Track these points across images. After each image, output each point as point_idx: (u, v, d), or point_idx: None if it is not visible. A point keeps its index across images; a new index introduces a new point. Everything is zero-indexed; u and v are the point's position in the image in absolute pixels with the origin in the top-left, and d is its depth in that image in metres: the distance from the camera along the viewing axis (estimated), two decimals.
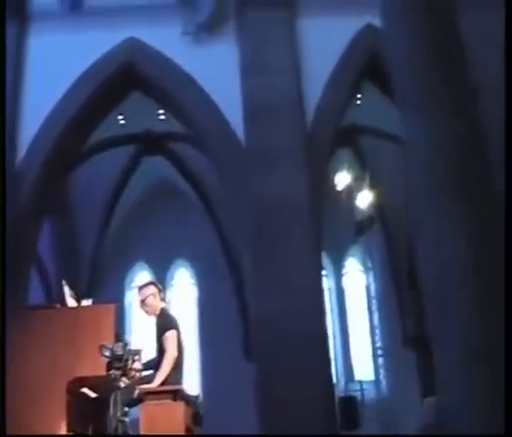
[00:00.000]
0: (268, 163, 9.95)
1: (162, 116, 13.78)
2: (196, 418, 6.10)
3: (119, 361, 4.50)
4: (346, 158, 14.47)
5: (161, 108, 13.05)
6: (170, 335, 6.06)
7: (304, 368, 8.97)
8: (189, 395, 5.99)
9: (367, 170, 15.23)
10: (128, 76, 11.07)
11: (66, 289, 5.58)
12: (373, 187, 14.81)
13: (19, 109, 10.60)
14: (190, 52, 10.79)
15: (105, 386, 5.28)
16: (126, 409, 4.93)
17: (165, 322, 6.22)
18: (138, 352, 5.27)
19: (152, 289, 6.55)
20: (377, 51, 10.72)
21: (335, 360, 17.40)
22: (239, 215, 10.52)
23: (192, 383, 17.14)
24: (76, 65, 10.74)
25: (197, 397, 6.27)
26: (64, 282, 5.59)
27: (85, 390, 4.62)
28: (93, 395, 5.33)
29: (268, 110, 10.22)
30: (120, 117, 13.48)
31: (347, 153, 14.60)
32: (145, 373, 6.10)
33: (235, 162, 10.37)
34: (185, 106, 10.95)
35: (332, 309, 18.01)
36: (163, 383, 5.71)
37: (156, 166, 16.17)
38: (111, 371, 4.51)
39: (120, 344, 4.56)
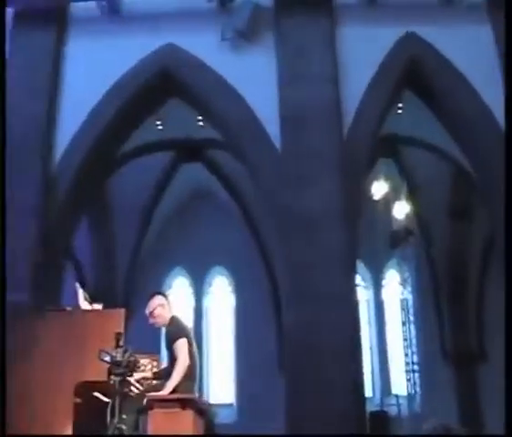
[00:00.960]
0: (304, 172, 9.86)
1: (201, 123, 13.74)
2: (209, 427, 6.00)
3: (118, 367, 4.42)
4: (384, 168, 14.24)
5: (200, 115, 13.02)
6: (181, 343, 5.95)
7: (335, 380, 8.85)
8: (200, 404, 5.88)
9: (405, 181, 15.02)
10: (165, 81, 11.07)
11: (80, 292, 5.54)
12: (410, 197, 14.58)
13: (57, 113, 10.71)
14: (228, 58, 10.77)
15: (120, 392, 5.23)
16: (124, 416, 4.83)
17: (175, 331, 6.11)
18: (137, 359, 5.18)
19: (160, 299, 6.45)
20: (417, 60, 10.57)
21: (372, 373, 17.15)
22: (275, 224, 10.41)
23: (227, 392, 17.12)
24: (115, 70, 10.82)
25: (209, 406, 6.16)
26: (78, 285, 5.54)
27: (97, 394, 4.53)
28: (106, 400, 5.27)
29: (305, 119, 10.14)
30: (158, 123, 13.49)
31: (385, 162, 14.36)
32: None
33: (271, 171, 10.26)
34: (222, 112, 10.89)
35: (370, 322, 17.76)
36: (174, 392, 5.60)
37: (195, 173, 16.17)
38: (111, 377, 4.43)
39: (120, 350, 4.46)
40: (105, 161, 11.56)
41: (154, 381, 6.04)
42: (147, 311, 6.40)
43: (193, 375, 6.01)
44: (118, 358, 4.43)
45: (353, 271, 9.96)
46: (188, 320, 17.62)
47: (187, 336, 6.08)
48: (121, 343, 4.47)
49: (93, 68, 10.82)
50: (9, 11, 10.81)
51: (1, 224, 7.24)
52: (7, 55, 10.66)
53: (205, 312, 18.13)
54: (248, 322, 16.81)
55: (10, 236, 9.63)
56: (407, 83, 10.81)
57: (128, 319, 13.89)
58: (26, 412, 5.10)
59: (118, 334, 4.46)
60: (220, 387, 17.38)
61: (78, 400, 5.01)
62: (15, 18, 11.04)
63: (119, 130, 11.31)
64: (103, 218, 16.07)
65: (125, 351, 4.47)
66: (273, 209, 10.24)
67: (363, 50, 10.48)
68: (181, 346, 5.91)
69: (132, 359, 4.50)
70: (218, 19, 10.76)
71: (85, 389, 4.86)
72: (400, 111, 12.07)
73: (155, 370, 6.47)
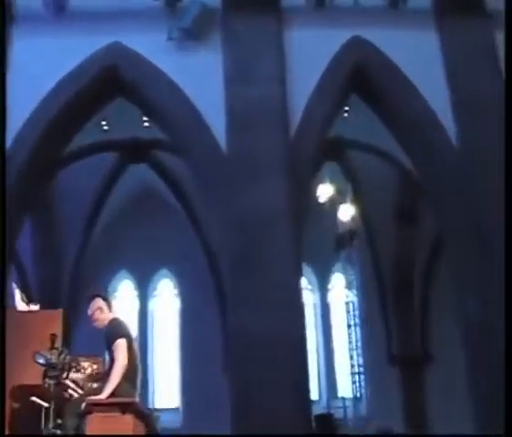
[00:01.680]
0: (250, 173, 9.85)
1: (147, 124, 13.59)
2: (151, 432, 5.88)
3: (53, 370, 4.28)
4: (329, 171, 14.32)
5: (145, 115, 12.88)
6: (119, 344, 5.80)
7: (280, 383, 8.84)
8: (142, 409, 5.74)
9: (351, 183, 15.16)
10: (110, 80, 10.90)
11: (17, 293, 5.38)
12: (356, 200, 14.71)
13: (1, 110, 10.43)
14: (175, 58, 10.65)
15: (56, 395, 5.10)
16: (60, 420, 4.70)
17: (115, 331, 5.95)
18: (74, 361, 5.05)
19: (98, 301, 6.32)
20: (363, 63, 10.66)
21: (318, 376, 17.22)
22: (219, 225, 10.36)
23: (173, 396, 16.98)
24: (60, 68, 10.59)
25: (151, 411, 6.04)
26: (14, 286, 5.38)
27: (34, 398, 4.38)
28: (44, 404, 5.12)
29: (251, 120, 10.11)
30: (104, 123, 13.30)
31: (330, 165, 14.45)
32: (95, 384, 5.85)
33: (217, 171, 10.22)
34: (167, 113, 10.80)
35: (316, 325, 17.83)
36: (113, 395, 5.45)
37: (140, 173, 16.00)
38: (45, 380, 4.28)
39: (55, 352, 4.32)
40: (49, 161, 11.31)
41: (95, 384, 5.87)
42: (88, 314, 6.27)
43: (133, 378, 5.86)
44: (53, 360, 4.29)
45: (299, 273, 9.97)
46: (133, 324, 17.49)
47: (126, 337, 5.93)
48: (56, 345, 4.31)
49: (37, 66, 10.54)
50: None
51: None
52: None
53: (150, 315, 17.95)
54: (193, 325, 16.73)
55: None
56: (353, 86, 10.88)
57: (73, 320, 13.85)
58: None
59: (53, 336, 4.32)
60: (166, 391, 17.20)
61: (15, 403, 4.86)
62: None
63: (64, 129, 11.09)
64: (47, 219, 15.79)
65: (60, 353, 4.33)
66: (217, 210, 10.19)
67: (311, 52, 10.50)
68: (120, 347, 5.76)
69: (67, 361, 4.35)
70: (165, 18, 10.64)
71: (22, 392, 4.70)
72: (346, 114, 12.16)
73: (95, 372, 6.31)
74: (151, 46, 10.63)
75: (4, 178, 8.79)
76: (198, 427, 15.08)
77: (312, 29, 10.60)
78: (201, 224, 16.13)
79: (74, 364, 4.83)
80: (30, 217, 14.57)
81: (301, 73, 10.47)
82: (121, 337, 5.80)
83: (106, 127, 13.68)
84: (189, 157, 10.84)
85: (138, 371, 5.97)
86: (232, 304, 9.62)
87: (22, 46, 10.77)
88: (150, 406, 16.78)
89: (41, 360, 4.33)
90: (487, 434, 6.15)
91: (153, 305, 18.10)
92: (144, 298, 17.96)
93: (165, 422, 16.14)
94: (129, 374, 5.71)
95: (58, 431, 4.34)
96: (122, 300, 18.00)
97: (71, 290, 15.88)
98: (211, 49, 10.67)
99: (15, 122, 10.29)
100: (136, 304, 17.99)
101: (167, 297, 18.13)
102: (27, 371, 4.36)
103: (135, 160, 15.68)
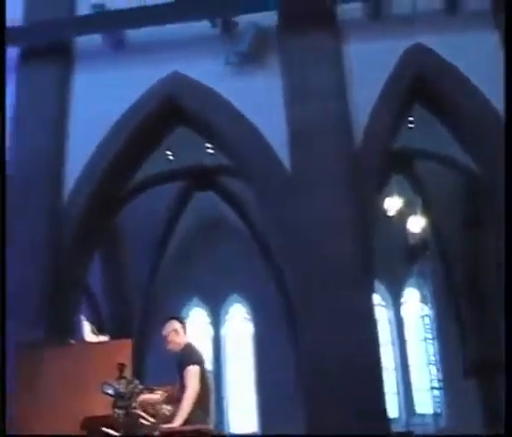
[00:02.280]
0: (314, 190, 9.71)
1: (211, 150, 13.65)
2: None
3: (122, 400, 4.24)
4: (397, 183, 14.05)
5: (208, 142, 12.94)
6: (192, 370, 5.74)
7: (356, 402, 8.63)
8: (213, 435, 5.66)
9: (419, 194, 14.84)
10: (171, 110, 11.01)
11: (86, 325, 5.40)
12: (425, 211, 14.38)
13: (64, 147, 10.70)
14: (233, 83, 10.67)
15: (126, 425, 5.08)
16: None
17: (187, 357, 5.90)
18: (145, 390, 5.00)
19: (173, 324, 6.27)
20: (424, 71, 10.43)
21: (397, 393, 16.85)
22: (286, 246, 10.25)
23: (249, 421, 16.89)
24: (121, 101, 10.77)
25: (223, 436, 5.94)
26: (82, 318, 5.41)
27: (105, 429, 4.36)
28: (116, 434, 5.11)
29: (313, 137, 10.02)
30: (169, 153, 13.43)
31: (397, 177, 14.16)
32: (167, 410, 5.79)
33: (281, 192, 10.12)
34: (230, 138, 10.80)
35: (392, 341, 17.48)
36: (186, 422, 5.39)
37: (207, 200, 16.12)
38: (114, 410, 4.24)
39: (123, 381, 4.28)
40: (115, 193, 11.49)
41: (168, 407, 5.80)
42: (163, 335, 6.28)
43: (206, 404, 5.80)
44: (122, 389, 4.25)
45: (370, 289, 9.77)
46: (206, 350, 17.54)
47: (199, 364, 5.88)
48: (125, 375, 4.28)
49: (100, 101, 10.77)
50: (14, 50, 10.85)
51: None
52: (15, 93, 10.80)
53: (223, 341, 17.93)
54: (266, 348, 16.62)
55: (21, 270, 9.71)
56: (416, 94, 10.65)
57: (145, 350, 13.92)
58: None
59: (121, 365, 4.29)
60: (242, 416, 17.11)
61: (86, 435, 4.87)
62: (21, 56, 11.11)
63: (128, 161, 11.25)
64: (115, 250, 16.02)
65: (129, 383, 4.29)
66: (283, 231, 10.10)
67: (370, 64, 10.33)
68: (192, 373, 5.71)
69: (136, 390, 4.31)
70: (221, 44, 10.68)
71: (93, 423, 4.71)
72: (411, 125, 11.90)
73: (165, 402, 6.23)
74: (210, 73, 10.69)
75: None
76: None
77: (370, 40, 10.44)
78: (269, 247, 16.01)
79: (144, 393, 4.77)
80: (99, 250, 14.84)
81: (362, 86, 10.32)
82: (194, 363, 5.75)
83: (171, 157, 13.82)
84: (254, 179, 10.77)
85: (210, 398, 5.91)
86: (303, 326, 9.48)
87: (83, 83, 11.08)
88: (227, 432, 16.77)
89: (109, 391, 4.30)
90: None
91: (225, 331, 18.07)
92: (216, 324, 18.00)
93: None
94: (202, 401, 5.65)
95: None
96: (194, 327, 18.04)
97: (142, 321, 16.01)
98: (269, 70, 10.64)
99: (79, 158, 10.55)
100: (208, 330, 18.00)
101: (239, 322, 18.06)
102: (98, 402, 4.32)
103: (201, 188, 15.79)
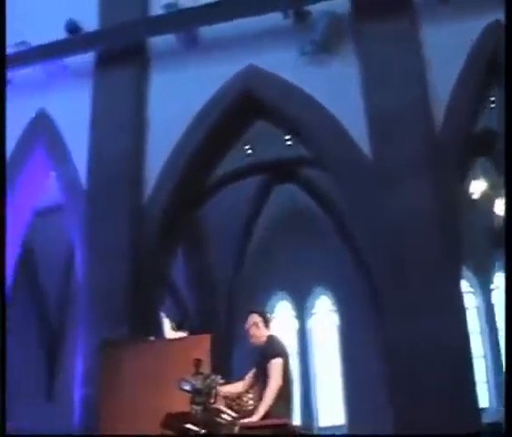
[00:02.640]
0: (397, 177, 9.49)
1: (290, 142, 13.61)
2: None
3: (199, 396, 4.23)
4: (481, 165, 13.60)
5: (287, 134, 12.89)
6: (276, 363, 5.70)
7: (445, 393, 8.39)
8: (296, 429, 5.59)
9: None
10: (248, 104, 10.98)
11: (166, 321, 5.44)
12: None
13: (144, 147, 10.88)
14: (309, 73, 10.54)
15: (205, 421, 5.09)
16: None
17: (271, 350, 5.86)
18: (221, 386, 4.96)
19: (255, 317, 6.24)
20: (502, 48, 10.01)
21: (487, 382, 16.37)
22: (369, 236, 10.09)
23: (337, 413, 16.77)
24: (198, 98, 10.85)
25: (308, 429, 5.83)
26: (162, 315, 5.44)
27: (189, 426, 4.37)
28: (196, 430, 5.13)
29: (393, 124, 9.77)
30: (247, 147, 13.47)
31: (481, 159, 13.70)
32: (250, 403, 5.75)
33: (363, 182, 9.96)
34: (308, 128, 10.68)
35: (481, 329, 16.97)
36: (267, 415, 5.33)
37: (288, 193, 16.07)
38: (192, 406, 4.23)
39: (200, 377, 4.27)
40: (195, 190, 11.60)
41: (249, 401, 5.77)
42: (245, 328, 6.27)
43: (289, 398, 5.74)
44: (199, 385, 4.23)
45: (458, 276, 9.49)
46: (292, 343, 17.52)
47: (282, 356, 5.82)
48: (201, 370, 4.27)
49: (176, 100, 10.91)
50: (90, 55, 11.17)
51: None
52: (92, 98, 11.11)
53: (309, 334, 17.84)
54: (352, 340, 16.43)
55: (106, 271, 9.95)
56: (495, 73, 10.23)
57: (231, 345, 14.00)
58: None
59: (198, 361, 4.27)
60: (330, 408, 16.99)
61: (168, 432, 4.90)
62: (97, 60, 11.34)
63: (208, 158, 11.32)
64: (199, 246, 16.19)
65: (206, 378, 4.27)
66: (366, 220, 9.94)
67: (447, 46, 9.99)
68: (276, 366, 5.67)
69: (214, 385, 4.29)
70: (294, 35, 10.59)
71: (174, 421, 4.73)
72: (493, 105, 11.48)
73: (250, 396, 6.20)
74: (285, 64, 10.60)
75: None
76: None
77: (447, 21, 10.10)
78: (353, 236, 15.80)
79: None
80: (182, 246, 15.06)
81: (439, 69, 10.00)
82: (277, 356, 5.71)
83: (249, 151, 13.86)
84: (334, 169, 10.64)
85: (292, 391, 5.84)
86: (391, 315, 9.30)
87: (160, 82, 11.24)
88: (315, 424, 16.71)
89: (187, 387, 4.29)
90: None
91: (311, 323, 17.97)
92: (302, 317, 17.91)
93: None
94: (285, 394, 5.60)
95: None
96: (280, 321, 18.05)
97: (228, 316, 16.13)
98: (345, 58, 10.45)
99: (158, 157, 10.73)
100: (294, 324, 17.95)
101: (324, 314, 17.92)
102: (178, 399, 4.34)
103: (281, 180, 15.75)
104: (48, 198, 12.77)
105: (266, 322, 6.20)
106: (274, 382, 5.57)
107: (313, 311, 18.09)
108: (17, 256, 12.17)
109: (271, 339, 6.09)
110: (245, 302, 16.12)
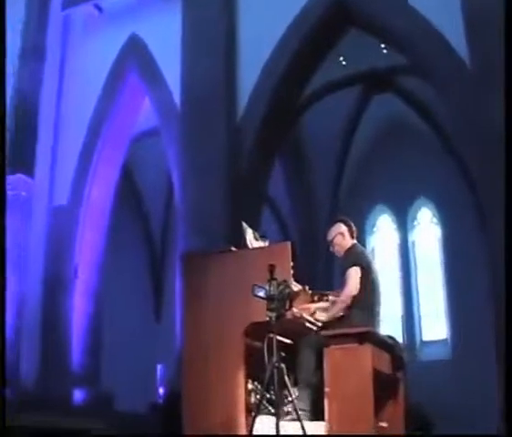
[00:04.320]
0: (497, 84, 8.93)
1: (385, 50, 13.16)
2: (396, 362, 5.62)
3: (272, 302, 4.19)
4: None
5: (382, 42, 12.46)
6: (352, 272, 5.54)
7: None
8: (382, 338, 5.47)
9: None
10: (341, 12, 10.67)
11: (249, 231, 5.40)
12: None
13: (235, 64, 10.88)
14: None
15: (294, 331, 5.11)
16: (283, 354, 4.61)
17: (350, 259, 5.68)
18: (296, 292, 4.90)
19: (340, 227, 6.04)
20: None
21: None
22: (471, 143, 9.70)
23: (440, 328, 16.56)
24: (287, 12, 10.65)
25: (393, 339, 5.71)
26: (245, 225, 5.40)
27: (272, 335, 4.36)
28: (286, 341, 5.15)
29: (494, 27, 9.19)
30: (341, 59, 13.15)
31: None
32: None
33: (461, 86, 9.52)
34: (404, 35, 10.27)
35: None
36: (350, 326, 5.20)
37: (385, 104, 15.57)
38: (266, 313, 4.20)
39: (274, 283, 4.21)
40: (289, 105, 11.45)
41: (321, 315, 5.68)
42: (327, 239, 6.13)
43: (370, 307, 5.61)
44: (272, 291, 4.19)
45: None
46: (394, 257, 17.35)
47: (361, 265, 5.67)
48: (275, 276, 4.22)
49: (265, 16, 10.77)
50: None
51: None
52: (181, 22, 11.17)
53: (411, 246, 17.55)
54: (456, 253, 15.99)
55: (201, 188, 10.09)
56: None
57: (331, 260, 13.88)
58: (200, 353, 5.15)
59: (272, 266, 4.20)
60: (433, 323, 16.78)
61: (251, 342, 4.96)
62: None
63: (300, 71, 11.14)
64: (297, 164, 16.13)
65: (279, 284, 4.22)
66: (466, 128, 9.53)
67: None
68: (352, 274, 5.54)
69: (287, 291, 4.24)
70: None
71: (256, 329, 4.77)
72: None
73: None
74: None
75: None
76: (466, 360, 14.65)
77: None
78: (454, 146, 15.22)
79: (294, 295, 4.68)
80: (283, 165, 15.07)
81: None
82: (354, 265, 5.59)
83: (344, 63, 13.52)
84: (433, 77, 10.23)
85: (377, 301, 5.70)
86: (493, 223, 8.94)
87: (244, 5, 11.11)
88: (417, 339, 16.58)
89: (260, 293, 4.25)
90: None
91: (413, 236, 17.64)
92: (403, 229, 17.56)
93: (433, 355, 16.00)
94: (364, 303, 5.49)
95: (283, 365, 4.23)
96: (382, 235, 17.86)
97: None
98: None
99: (250, 74, 10.67)
100: (396, 237, 17.69)
101: (427, 226, 17.53)
102: (260, 308, 4.34)
103: (378, 91, 15.31)
104: (145, 123, 13.01)
105: (351, 232, 6.04)
106: (348, 289, 5.46)
107: (415, 223, 17.70)
108: (117, 181, 12.54)
109: (352, 248, 5.91)
110: (346, 216, 15.99)
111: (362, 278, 5.54)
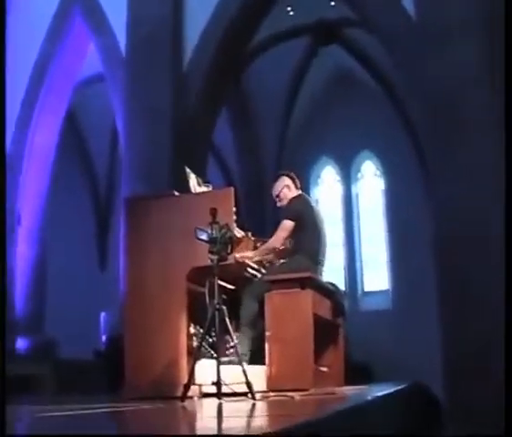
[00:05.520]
0: (442, 39, 9.03)
1: (332, 3, 13.16)
2: (337, 309, 5.77)
3: (215, 245, 4.24)
4: None
5: None
6: (284, 224, 5.59)
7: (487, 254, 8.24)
8: (324, 284, 5.60)
9: None
10: None
11: (192, 177, 5.41)
12: None
13: (183, 9, 10.75)
14: None
15: (236, 276, 5.18)
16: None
17: (289, 210, 5.74)
18: (238, 238, 4.97)
19: (284, 180, 6.07)
20: None
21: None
22: (416, 97, 9.81)
23: (382, 278, 16.91)
24: None
25: (335, 286, 5.84)
26: (188, 170, 5.40)
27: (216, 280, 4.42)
28: (229, 286, 5.22)
29: None
30: (289, 9, 13.09)
31: None
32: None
33: (407, 40, 9.57)
34: None
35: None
36: (296, 273, 5.28)
37: (332, 56, 15.59)
38: (208, 256, 4.26)
39: (216, 226, 4.26)
40: (237, 51, 11.38)
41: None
42: (273, 194, 6.14)
43: (313, 254, 5.67)
44: (214, 234, 4.24)
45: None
46: (337, 209, 17.56)
47: (297, 216, 5.69)
48: (217, 220, 4.27)
49: None
50: None
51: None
52: None
53: (355, 199, 17.78)
54: (398, 205, 16.26)
55: (146, 133, 10.05)
56: None
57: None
58: (143, 297, 5.19)
59: (213, 209, 4.24)
60: (374, 274, 17.13)
61: (192, 285, 5.02)
62: None
63: (248, 20, 11.04)
64: (244, 115, 16.09)
65: (221, 228, 4.27)
66: (411, 82, 9.64)
67: None
68: (282, 226, 5.59)
69: (229, 235, 4.29)
70: None
71: (197, 274, 4.83)
72: None
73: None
74: None
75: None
76: (406, 309, 15.08)
77: None
78: (399, 98, 15.35)
79: (236, 238, 4.74)
80: (228, 113, 14.99)
81: None
82: (289, 219, 5.62)
83: (291, 13, 13.47)
84: (379, 30, 10.27)
85: (321, 250, 5.76)
86: (435, 179, 9.15)
87: None
88: (359, 290, 16.94)
89: (203, 236, 4.29)
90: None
91: (357, 188, 17.87)
92: (347, 182, 17.76)
93: (374, 305, 16.36)
94: (308, 250, 5.54)
95: (224, 307, 4.30)
96: (326, 186, 18.04)
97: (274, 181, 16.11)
98: None
99: (198, 21, 10.54)
100: (340, 189, 17.89)
101: (370, 178, 17.77)
102: (203, 253, 4.38)
103: (325, 42, 15.29)
104: (90, 68, 12.78)
105: (296, 184, 6.07)
106: (272, 241, 5.53)
107: (359, 176, 17.92)
108: (60, 127, 12.34)
109: (296, 197, 5.94)
110: (291, 167, 16.05)
111: (304, 226, 5.61)
